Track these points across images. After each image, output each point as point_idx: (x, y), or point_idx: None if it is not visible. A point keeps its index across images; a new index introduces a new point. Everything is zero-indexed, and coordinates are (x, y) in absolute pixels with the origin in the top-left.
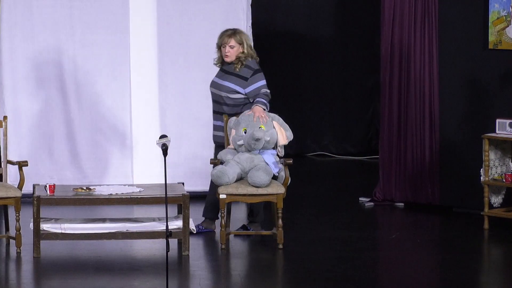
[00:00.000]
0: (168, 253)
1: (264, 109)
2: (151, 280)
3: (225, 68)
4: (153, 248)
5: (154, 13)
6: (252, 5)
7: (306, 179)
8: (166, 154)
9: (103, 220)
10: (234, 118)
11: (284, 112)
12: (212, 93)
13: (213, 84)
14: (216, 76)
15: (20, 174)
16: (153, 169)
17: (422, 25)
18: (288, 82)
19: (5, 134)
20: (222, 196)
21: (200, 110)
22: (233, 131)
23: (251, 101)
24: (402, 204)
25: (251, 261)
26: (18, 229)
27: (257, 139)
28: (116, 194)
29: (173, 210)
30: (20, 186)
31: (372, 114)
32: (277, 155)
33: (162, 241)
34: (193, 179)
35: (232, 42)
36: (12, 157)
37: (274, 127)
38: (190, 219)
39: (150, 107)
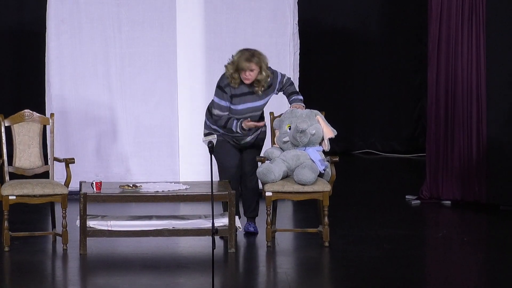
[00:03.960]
0: (214, 250)
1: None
2: (197, 277)
3: (243, 90)
4: (199, 246)
5: (202, 10)
6: (299, 3)
7: (352, 176)
8: (213, 151)
9: (150, 217)
10: (276, 119)
11: (331, 109)
12: (245, 114)
13: (249, 110)
14: (243, 102)
15: (67, 171)
16: (199, 166)
17: (470, 22)
18: (335, 80)
19: (52, 131)
20: (268, 193)
21: None
22: (277, 132)
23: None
24: (449, 202)
25: (297, 258)
26: (64, 226)
27: (302, 131)
28: (163, 191)
29: (219, 207)
30: (67, 183)
31: (419, 112)
32: (323, 151)
33: (208, 239)
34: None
35: (253, 66)
36: (58, 154)
37: (318, 122)
38: (236, 216)
39: (197, 104)
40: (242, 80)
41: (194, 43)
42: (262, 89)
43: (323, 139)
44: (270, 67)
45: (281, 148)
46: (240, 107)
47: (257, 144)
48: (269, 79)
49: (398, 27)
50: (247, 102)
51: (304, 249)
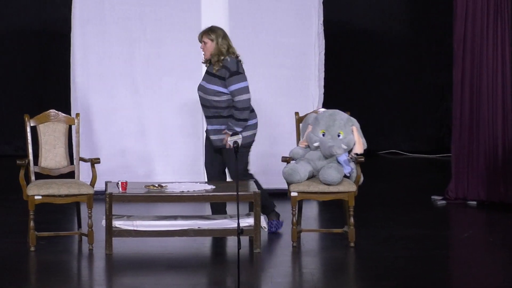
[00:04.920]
0: (240, 250)
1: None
2: (223, 277)
3: (209, 69)
4: (225, 246)
5: (226, 11)
6: (324, 3)
7: (378, 177)
8: (238, 151)
9: (175, 218)
10: (313, 114)
11: (356, 110)
12: (200, 97)
13: (200, 88)
14: (203, 79)
15: (92, 171)
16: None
17: (495, 23)
18: (360, 80)
19: (78, 131)
20: (293, 194)
21: (271, 108)
22: (310, 127)
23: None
24: (474, 202)
25: (322, 259)
26: (90, 226)
27: (334, 155)
28: (188, 191)
29: (244, 207)
30: (93, 183)
31: (444, 112)
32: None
33: (234, 239)
34: (264, 176)
35: (205, 39)
36: (84, 154)
37: (352, 132)
38: (261, 216)
39: None
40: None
41: None
42: (217, 68)
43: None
44: (234, 58)
45: (307, 146)
46: (200, 82)
47: (227, 150)
48: (222, 58)
49: (423, 26)
50: (203, 79)
51: (329, 250)
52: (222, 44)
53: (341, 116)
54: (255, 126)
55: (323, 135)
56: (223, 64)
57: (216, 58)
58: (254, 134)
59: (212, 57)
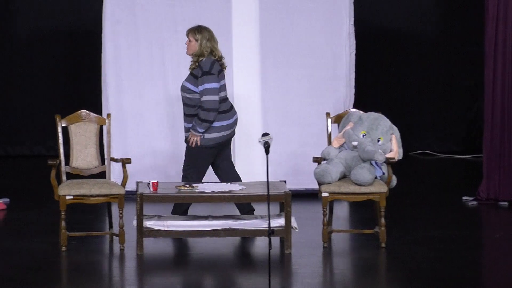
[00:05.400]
0: (270, 251)
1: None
2: (253, 278)
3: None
4: (255, 246)
5: (257, 11)
6: (354, 3)
7: (409, 177)
8: (268, 152)
9: (206, 218)
10: (357, 112)
11: (387, 110)
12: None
13: (181, 85)
14: None
15: (123, 172)
16: (255, 167)
17: None
18: (391, 80)
19: (109, 132)
20: (324, 194)
21: (301, 108)
22: (351, 125)
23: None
24: (506, 203)
25: (353, 259)
26: (121, 226)
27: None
28: (219, 191)
29: (275, 208)
30: (124, 183)
31: (475, 112)
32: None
33: (264, 239)
34: (295, 177)
35: (190, 37)
36: (115, 154)
37: (391, 140)
38: (292, 217)
39: (252, 105)
40: None
41: (248, 43)
42: (193, 66)
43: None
44: (212, 59)
45: (340, 146)
46: None
47: (188, 147)
48: (204, 60)
49: (454, 26)
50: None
51: (360, 250)
52: (205, 46)
53: (384, 122)
54: (224, 128)
55: (363, 136)
56: (199, 64)
57: (196, 58)
58: (223, 136)
59: (193, 56)
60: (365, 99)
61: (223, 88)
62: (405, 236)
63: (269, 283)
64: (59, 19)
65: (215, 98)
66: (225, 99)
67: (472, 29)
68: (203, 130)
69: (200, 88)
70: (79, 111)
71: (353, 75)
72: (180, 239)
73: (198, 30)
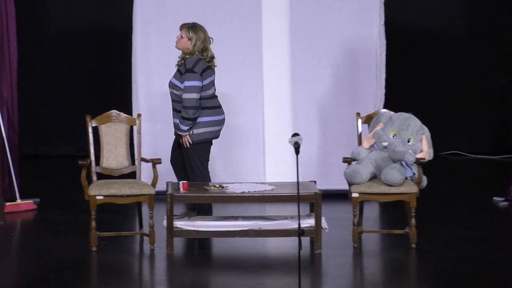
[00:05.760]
0: (300, 251)
1: (183, 134)
2: (283, 278)
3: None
4: (285, 246)
5: (287, 11)
6: (385, 4)
7: (439, 178)
8: (298, 152)
9: (236, 218)
10: (387, 111)
11: (417, 110)
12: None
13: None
14: None
15: (153, 172)
16: (285, 167)
17: None
18: (421, 81)
19: (139, 132)
20: (354, 194)
21: (332, 109)
22: (382, 125)
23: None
24: None
25: (384, 260)
26: (151, 226)
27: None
28: (249, 192)
29: (305, 208)
30: (154, 184)
31: (505, 113)
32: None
33: (294, 239)
34: (325, 177)
35: (183, 33)
36: (145, 154)
37: (421, 141)
38: (322, 217)
39: (282, 105)
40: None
41: (279, 43)
42: (180, 63)
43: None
44: (198, 56)
45: (371, 147)
46: None
47: (185, 148)
48: (190, 58)
49: (483, 27)
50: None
51: (390, 251)
52: (198, 47)
53: (415, 122)
54: (213, 123)
55: (393, 136)
56: (184, 61)
57: (183, 55)
58: (212, 132)
59: (183, 53)
60: (395, 99)
61: (209, 85)
62: (435, 237)
63: (299, 284)
64: (90, 19)
65: (194, 96)
66: (214, 96)
67: (501, 29)
68: (186, 128)
69: (183, 85)
70: (110, 111)
71: (383, 76)
72: (209, 239)
73: (193, 29)
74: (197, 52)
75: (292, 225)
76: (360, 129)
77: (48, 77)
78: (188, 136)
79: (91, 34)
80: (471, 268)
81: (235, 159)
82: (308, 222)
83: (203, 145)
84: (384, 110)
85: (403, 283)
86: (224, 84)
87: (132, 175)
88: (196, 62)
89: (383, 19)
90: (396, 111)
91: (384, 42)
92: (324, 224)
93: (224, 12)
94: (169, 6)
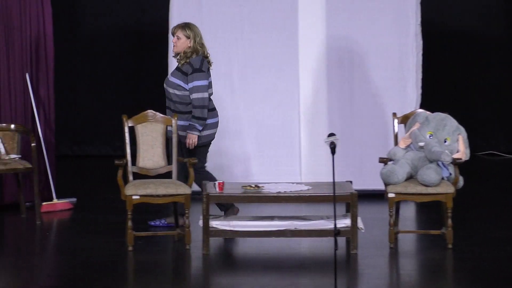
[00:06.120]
0: (336, 251)
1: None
2: (319, 278)
3: (177, 64)
4: (321, 246)
5: (323, 11)
6: (421, 4)
7: (476, 178)
8: (334, 152)
9: (271, 218)
10: (423, 111)
11: (454, 110)
12: (165, 90)
13: (165, 81)
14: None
15: (189, 172)
16: (321, 167)
17: None
18: (458, 81)
19: (175, 132)
20: (391, 195)
21: (368, 109)
22: (418, 125)
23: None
24: None
25: (420, 260)
26: (187, 226)
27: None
28: (285, 192)
29: (341, 208)
30: (190, 184)
31: None
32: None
33: (330, 240)
34: (361, 177)
35: (180, 33)
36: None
37: (457, 141)
38: (358, 217)
39: (318, 105)
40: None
41: (315, 43)
42: (183, 62)
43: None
44: (201, 64)
45: (407, 147)
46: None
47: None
48: (193, 56)
49: None
50: (170, 73)
51: (427, 251)
52: (199, 42)
53: (451, 122)
54: (214, 125)
55: (430, 136)
56: (189, 61)
57: (189, 54)
58: (214, 133)
59: (184, 53)
60: (432, 99)
61: (210, 85)
62: (472, 237)
63: (335, 284)
64: (126, 19)
65: (205, 95)
66: (211, 98)
67: None
68: (201, 128)
69: (190, 85)
70: (146, 111)
71: (420, 76)
72: (245, 239)
73: (188, 27)
74: (199, 49)
75: (328, 225)
76: (396, 129)
77: (85, 77)
78: (196, 138)
79: (128, 34)
80: (507, 269)
81: (271, 159)
82: (344, 222)
83: (207, 148)
84: (421, 110)
85: (439, 284)
86: (260, 84)
87: (168, 175)
88: (202, 61)
89: (419, 19)
90: (432, 111)
91: (420, 42)
92: (360, 224)
93: (261, 12)
94: (205, 7)
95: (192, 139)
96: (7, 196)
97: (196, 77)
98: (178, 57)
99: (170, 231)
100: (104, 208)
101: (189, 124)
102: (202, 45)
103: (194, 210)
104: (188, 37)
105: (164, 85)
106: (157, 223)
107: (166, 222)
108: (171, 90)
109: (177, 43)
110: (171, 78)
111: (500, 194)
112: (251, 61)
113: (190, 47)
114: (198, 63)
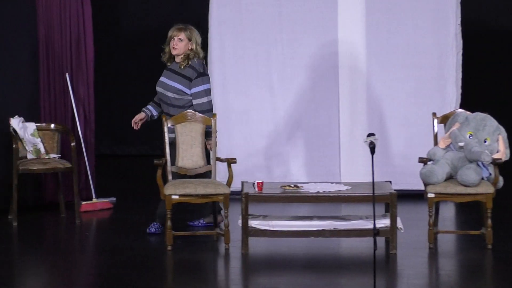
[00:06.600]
0: (376, 251)
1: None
2: (358, 278)
3: (171, 67)
4: (360, 247)
5: (363, 11)
6: (461, 3)
7: None
8: (374, 152)
9: (311, 218)
10: (463, 111)
11: (494, 110)
12: (159, 93)
13: (160, 84)
14: (163, 76)
15: (228, 171)
16: (360, 167)
17: None
18: (498, 81)
19: (214, 132)
20: (430, 195)
21: (407, 109)
22: (458, 125)
23: (193, 103)
24: None
25: (459, 260)
26: (226, 226)
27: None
28: (324, 192)
29: (380, 208)
30: (229, 183)
31: None
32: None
33: (370, 240)
34: (400, 177)
35: (182, 35)
36: (221, 154)
37: (498, 141)
38: (397, 217)
39: (357, 105)
40: (171, 54)
41: (354, 42)
42: (184, 64)
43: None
44: (204, 67)
45: (447, 147)
46: (159, 79)
47: None
48: (195, 60)
49: None
50: (164, 76)
51: (466, 251)
52: (199, 45)
53: (491, 122)
54: None
55: (470, 137)
56: (191, 64)
57: (192, 56)
58: None
59: (186, 55)
60: (471, 99)
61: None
62: (511, 237)
63: (374, 284)
64: (166, 19)
65: (211, 98)
66: None
67: None
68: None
69: (198, 89)
70: (185, 111)
71: (460, 75)
72: (284, 239)
73: (189, 29)
74: (200, 52)
75: (367, 225)
76: (436, 129)
77: (124, 77)
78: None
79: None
80: None
81: (311, 159)
82: (384, 222)
83: None
84: (461, 110)
85: (478, 284)
86: (299, 84)
87: (208, 174)
88: (204, 65)
89: (459, 19)
90: (472, 111)
91: (460, 41)
92: (399, 224)
93: (301, 12)
94: (244, 6)
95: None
96: (47, 196)
97: (204, 81)
98: (169, 61)
99: (209, 231)
100: (143, 208)
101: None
102: (201, 48)
103: (233, 210)
104: (190, 40)
105: (160, 89)
106: (196, 223)
107: (204, 222)
108: (170, 94)
109: (178, 45)
110: (171, 82)
111: None
112: (291, 60)
113: (192, 49)
114: (201, 67)
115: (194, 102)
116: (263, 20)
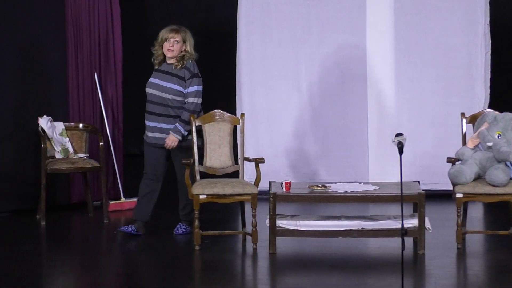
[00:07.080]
0: (403, 251)
1: (180, 139)
2: (386, 278)
3: (162, 68)
4: (388, 247)
5: (391, 10)
6: (490, 3)
7: None
8: (402, 152)
9: (338, 218)
10: (491, 111)
11: None
12: (151, 95)
13: (153, 86)
14: (154, 77)
15: (256, 171)
16: (389, 167)
17: None
18: None
19: (242, 131)
20: (458, 195)
21: (436, 108)
22: (486, 125)
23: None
24: None
25: (488, 261)
26: (254, 226)
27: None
28: (352, 192)
29: (408, 208)
30: (257, 183)
31: None
32: None
33: (397, 240)
34: (429, 177)
35: (178, 37)
36: (249, 154)
37: None
38: (425, 217)
39: (386, 105)
40: (165, 56)
41: (383, 43)
42: (180, 65)
43: None
44: (197, 69)
45: (475, 147)
46: (149, 80)
47: (174, 151)
48: (190, 61)
49: None
50: (156, 77)
51: (494, 252)
52: (192, 47)
53: None
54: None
55: (498, 136)
56: (185, 65)
57: (187, 58)
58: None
59: (181, 57)
60: (500, 99)
61: None
62: None
63: (402, 284)
64: (194, 19)
65: (200, 100)
66: None
67: None
68: (186, 133)
69: (192, 89)
70: (213, 111)
71: (488, 75)
72: (312, 239)
73: (183, 31)
74: (193, 52)
75: (395, 225)
76: (464, 129)
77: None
78: (177, 141)
79: (195, 33)
80: None
81: (339, 159)
82: (412, 223)
83: (190, 152)
84: (489, 110)
85: (506, 285)
86: (327, 83)
87: (235, 174)
88: (196, 66)
89: (488, 18)
90: (501, 111)
91: (489, 41)
92: (427, 224)
93: (329, 12)
94: (273, 6)
95: (174, 141)
96: (75, 195)
97: (197, 82)
98: (159, 63)
99: (236, 230)
100: (171, 207)
101: (175, 126)
102: (194, 50)
103: (261, 210)
104: (184, 41)
105: (153, 90)
106: (128, 229)
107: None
108: (169, 96)
109: (175, 47)
110: (168, 84)
111: None
112: (319, 60)
113: (186, 51)
114: (194, 68)
115: (185, 100)
116: (292, 20)
